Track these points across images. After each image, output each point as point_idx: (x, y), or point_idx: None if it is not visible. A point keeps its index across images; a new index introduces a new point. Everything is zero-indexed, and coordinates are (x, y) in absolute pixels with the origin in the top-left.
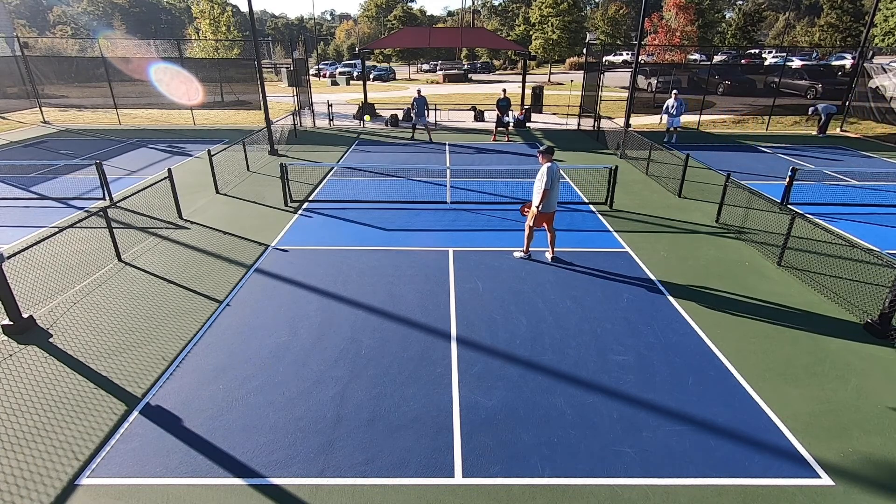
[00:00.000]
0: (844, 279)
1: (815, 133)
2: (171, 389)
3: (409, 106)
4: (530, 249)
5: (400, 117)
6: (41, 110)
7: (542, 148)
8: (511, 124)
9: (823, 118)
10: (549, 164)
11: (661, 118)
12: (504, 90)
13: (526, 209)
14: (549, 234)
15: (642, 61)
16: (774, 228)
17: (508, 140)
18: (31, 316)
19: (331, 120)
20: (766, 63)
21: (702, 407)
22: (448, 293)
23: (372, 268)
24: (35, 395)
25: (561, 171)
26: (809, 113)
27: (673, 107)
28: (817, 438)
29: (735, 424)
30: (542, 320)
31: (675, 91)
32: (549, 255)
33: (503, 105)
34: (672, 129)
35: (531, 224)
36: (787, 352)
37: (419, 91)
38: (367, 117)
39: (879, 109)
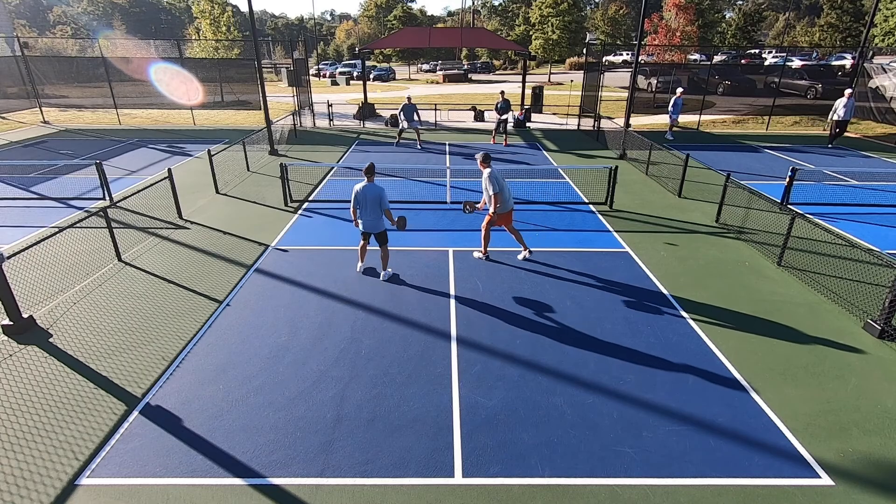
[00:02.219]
0: (844, 279)
1: (828, 144)
2: (171, 389)
3: (399, 111)
4: (489, 250)
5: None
6: (41, 110)
7: (480, 156)
8: (511, 123)
9: (840, 124)
10: (489, 169)
11: (670, 117)
12: (502, 92)
13: (468, 207)
14: (513, 235)
15: (642, 61)
16: (774, 228)
17: (507, 144)
18: (31, 316)
19: (331, 120)
20: (766, 63)
21: (702, 407)
22: (448, 293)
23: (372, 268)
24: (35, 395)
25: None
26: (833, 117)
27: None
28: (817, 438)
29: (735, 424)
30: (543, 320)
31: (680, 89)
32: (523, 255)
33: (502, 107)
34: (671, 125)
35: (486, 226)
36: (787, 352)
37: (409, 98)
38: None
39: (879, 109)
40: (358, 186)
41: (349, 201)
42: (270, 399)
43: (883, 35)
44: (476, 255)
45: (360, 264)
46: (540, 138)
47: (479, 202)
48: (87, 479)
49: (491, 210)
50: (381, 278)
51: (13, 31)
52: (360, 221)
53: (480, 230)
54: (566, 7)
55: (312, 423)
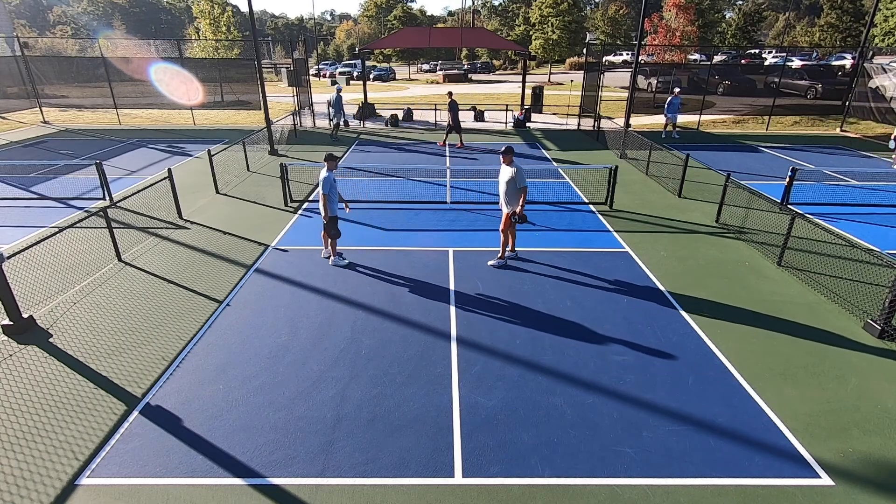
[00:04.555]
0: (844, 279)
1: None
2: (171, 389)
3: (328, 103)
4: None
5: (400, 117)
6: (41, 110)
7: (504, 149)
8: (511, 124)
9: None
10: (514, 163)
11: (665, 115)
12: (450, 93)
13: (519, 216)
14: (511, 237)
15: (642, 61)
16: (774, 228)
17: (461, 146)
18: (31, 316)
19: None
20: (766, 63)
21: (702, 407)
22: (448, 293)
23: (372, 268)
24: (35, 395)
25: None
26: None
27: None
28: (817, 438)
29: (735, 424)
30: (542, 320)
31: (677, 89)
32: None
33: (454, 108)
34: (672, 125)
35: (504, 228)
36: (787, 352)
37: (339, 90)
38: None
39: (879, 109)
40: (334, 176)
41: (349, 201)
42: (270, 399)
43: (883, 35)
44: (491, 263)
45: (325, 250)
46: (540, 138)
47: (516, 208)
48: (87, 479)
49: (521, 207)
50: (325, 258)
51: (13, 31)
52: (331, 208)
53: (500, 233)
54: (566, 7)
55: (312, 423)
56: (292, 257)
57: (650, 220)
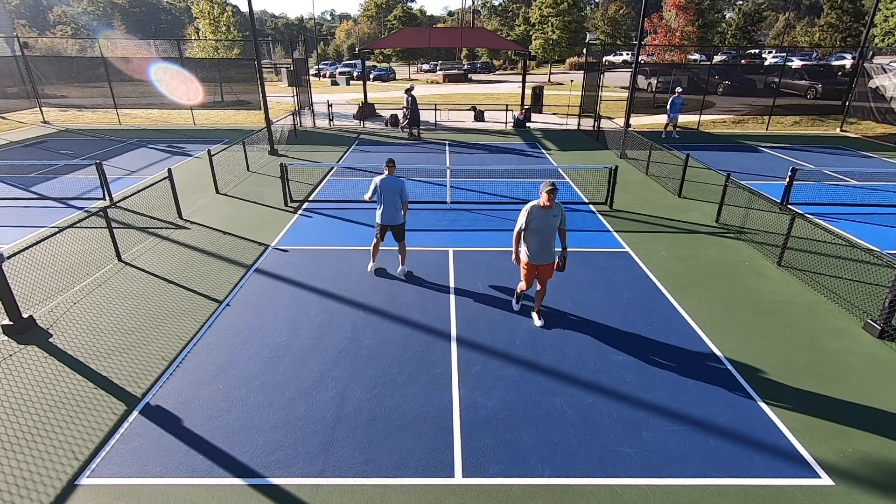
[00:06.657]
0: (844, 279)
1: None
2: (171, 389)
3: (405, 108)
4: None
5: (400, 117)
6: (41, 110)
7: (551, 185)
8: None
9: None
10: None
11: (669, 116)
12: (407, 91)
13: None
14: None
15: (642, 61)
16: (774, 228)
17: (418, 139)
18: (31, 316)
19: (331, 120)
20: (766, 63)
21: (702, 407)
22: (448, 293)
23: (383, 268)
24: (35, 395)
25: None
26: None
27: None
28: (817, 438)
29: (735, 424)
30: (542, 320)
31: (679, 88)
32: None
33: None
34: (672, 125)
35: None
36: (787, 352)
37: (412, 88)
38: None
39: (879, 109)
40: (378, 178)
41: (349, 201)
42: (270, 399)
43: (883, 35)
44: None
45: (371, 264)
46: (540, 138)
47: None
48: (87, 479)
49: (565, 251)
50: (397, 272)
51: (13, 31)
52: (379, 214)
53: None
54: (566, 7)
55: (312, 423)
56: (292, 257)
57: (650, 220)
